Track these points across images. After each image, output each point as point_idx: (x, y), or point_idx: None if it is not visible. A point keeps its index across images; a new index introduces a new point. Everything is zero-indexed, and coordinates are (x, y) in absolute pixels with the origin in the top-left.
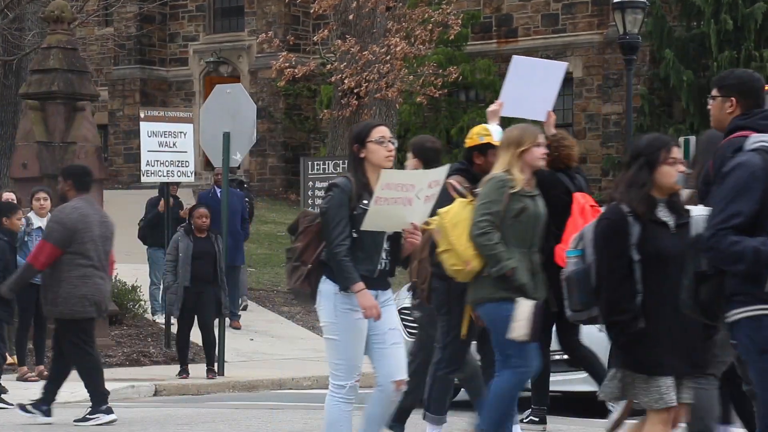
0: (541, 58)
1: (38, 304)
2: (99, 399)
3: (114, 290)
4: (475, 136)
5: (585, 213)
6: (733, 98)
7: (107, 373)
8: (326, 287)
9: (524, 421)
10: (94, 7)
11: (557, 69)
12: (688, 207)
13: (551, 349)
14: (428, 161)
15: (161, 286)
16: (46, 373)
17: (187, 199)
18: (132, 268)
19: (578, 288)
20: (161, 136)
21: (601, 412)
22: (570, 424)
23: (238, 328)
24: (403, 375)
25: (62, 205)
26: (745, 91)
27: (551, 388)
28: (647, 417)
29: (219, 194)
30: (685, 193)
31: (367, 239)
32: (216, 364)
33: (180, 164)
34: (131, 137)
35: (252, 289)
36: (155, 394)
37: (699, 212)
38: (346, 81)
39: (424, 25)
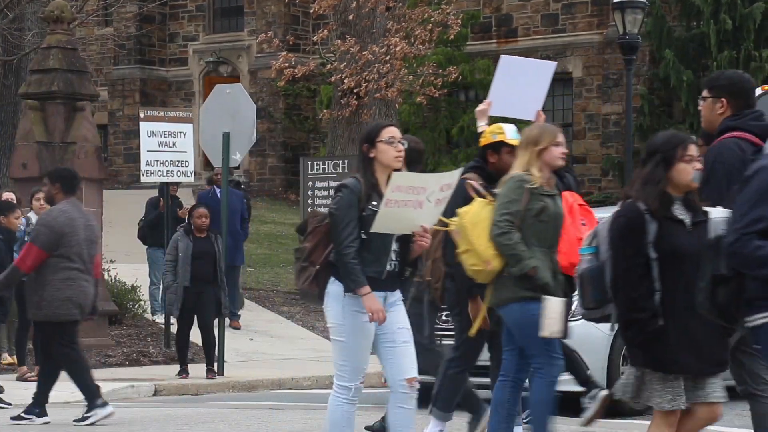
0: (541, 58)
1: None
2: (92, 395)
3: (114, 290)
4: (488, 134)
5: (573, 212)
6: (723, 99)
7: (107, 373)
8: (334, 288)
9: (525, 420)
10: (93, 7)
11: (546, 68)
12: (705, 208)
13: None
14: (411, 162)
15: (161, 286)
16: None
17: (187, 199)
18: (132, 268)
19: (592, 285)
20: (161, 136)
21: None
22: (569, 424)
23: (237, 328)
24: (413, 372)
25: (49, 209)
26: (735, 92)
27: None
28: (654, 418)
29: (219, 194)
30: None
31: (375, 241)
32: (216, 364)
33: (180, 164)
34: (131, 137)
35: (252, 289)
36: (155, 394)
37: (718, 214)
38: (345, 81)
39: (424, 25)
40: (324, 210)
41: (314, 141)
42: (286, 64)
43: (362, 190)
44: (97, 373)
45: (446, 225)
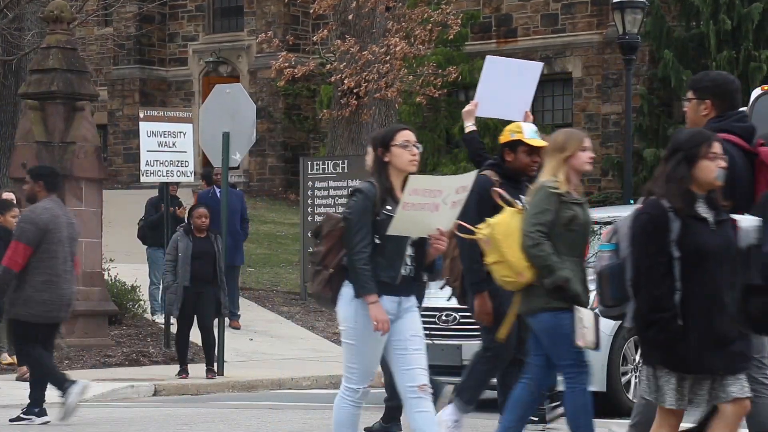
0: (541, 58)
1: None
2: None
3: (114, 290)
4: (507, 132)
5: None
6: (708, 101)
7: (107, 373)
8: (347, 291)
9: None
10: (93, 7)
11: (533, 69)
12: (735, 215)
13: None
14: None
15: (161, 286)
16: None
17: (187, 199)
18: (131, 267)
19: (611, 283)
20: (161, 136)
21: (601, 412)
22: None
23: (237, 328)
24: (424, 380)
25: (33, 206)
26: (719, 94)
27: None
28: (657, 417)
29: (218, 194)
30: None
31: (389, 245)
32: (215, 364)
33: (179, 164)
34: (131, 137)
35: (252, 289)
36: (155, 394)
37: (748, 222)
38: (345, 81)
39: (424, 25)
40: (338, 214)
41: (314, 141)
42: (286, 64)
43: (377, 194)
44: (97, 373)
45: (473, 233)
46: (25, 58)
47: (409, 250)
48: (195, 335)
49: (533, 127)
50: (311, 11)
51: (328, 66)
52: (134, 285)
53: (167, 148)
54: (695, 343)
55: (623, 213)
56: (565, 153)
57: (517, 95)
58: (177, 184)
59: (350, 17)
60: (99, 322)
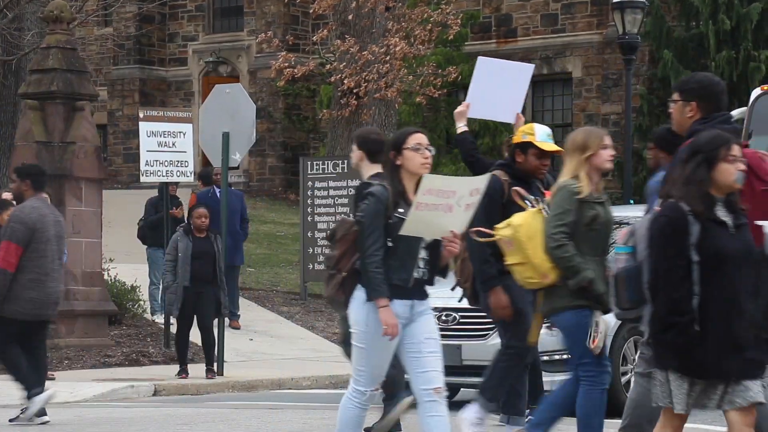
0: (541, 58)
1: None
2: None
3: (113, 290)
4: (520, 133)
5: None
6: (693, 102)
7: (107, 373)
8: (360, 295)
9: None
10: (93, 7)
11: (524, 71)
12: (760, 222)
13: (552, 349)
14: (372, 153)
15: (161, 286)
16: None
17: (187, 199)
18: (131, 267)
19: (628, 285)
20: (160, 136)
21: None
22: (569, 425)
23: (237, 328)
24: (439, 383)
25: (21, 205)
26: (705, 96)
27: (552, 388)
28: (661, 419)
29: (218, 194)
30: None
31: (401, 248)
32: (215, 364)
33: (179, 164)
34: (130, 137)
35: (251, 289)
36: (155, 394)
37: None
38: (345, 81)
39: (424, 25)
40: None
41: (314, 141)
42: (286, 64)
43: (389, 197)
44: (97, 373)
45: (491, 235)
46: (25, 58)
47: (422, 253)
48: (195, 335)
49: (547, 130)
50: (311, 11)
51: (327, 66)
52: (134, 285)
53: (167, 148)
54: (713, 348)
55: (624, 213)
56: (587, 152)
57: (509, 97)
58: (176, 184)
59: (350, 17)
60: (99, 322)
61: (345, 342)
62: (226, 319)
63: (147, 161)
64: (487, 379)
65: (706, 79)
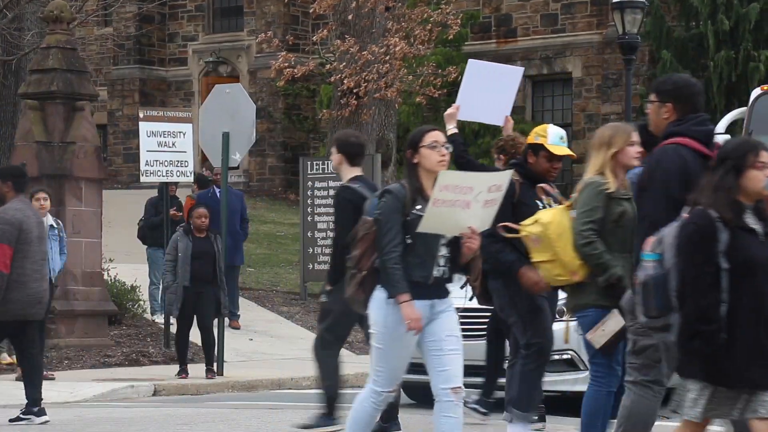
0: (541, 58)
1: None
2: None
3: (113, 290)
4: (533, 133)
5: None
6: (669, 104)
7: (107, 373)
8: (378, 295)
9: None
10: (93, 6)
11: (514, 74)
12: None
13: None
14: (352, 156)
15: (160, 286)
16: (45, 372)
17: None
18: (131, 268)
19: (656, 294)
20: (160, 136)
21: None
22: (569, 425)
23: (237, 328)
24: (458, 382)
25: (4, 207)
26: (680, 97)
27: (552, 388)
28: (684, 425)
29: (218, 194)
30: None
31: (420, 245)
32: (215, 364)
33: (179, 164)
34: (130, 137)
35: (251, 289)
36: (154, 394)
37: None
38: (345, 81)
39: (424, 25)
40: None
41: (314, 141)
42: (286, 64)
43: (407, 195)
44: (97, 373)
45: (516, 231)
46: (25, 58)
47: (443, 251)
48: (195, 335)
49: (560, 133)
50: (311, 11)
51: (327, 66)
52: (134, 285)
53: (167, 148)
54: (739, 356)
55: None
56: (613, 149)
57: (498, 99)
58: (176, 184)
59: (350, 17)
60: (99, 322)
61: (320, 319)
62: (226, 319)
63: (147, 161)
64: (517, 391)
65: (682, 81)
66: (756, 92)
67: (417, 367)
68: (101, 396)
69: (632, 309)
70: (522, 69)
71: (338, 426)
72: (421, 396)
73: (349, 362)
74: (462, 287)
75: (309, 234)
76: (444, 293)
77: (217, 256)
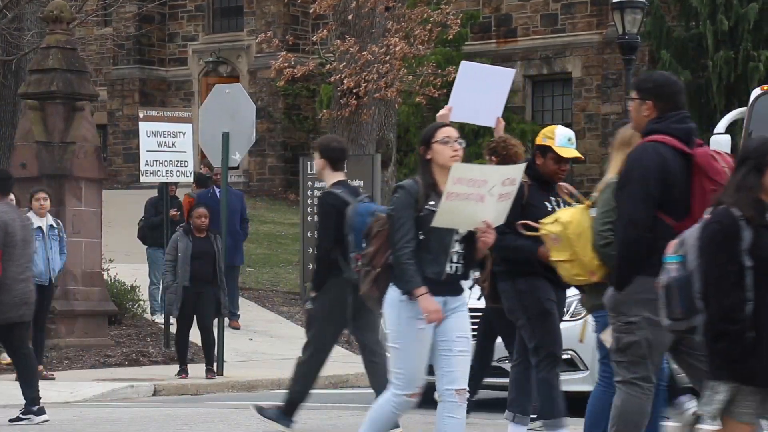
0: (541, 58)
1: (37, 304)
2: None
3: (113, 290)
4: (541, 135)
5: None
6: (649, 101)
7: (107, 373)
8: (392, 294)
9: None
10: (93, 6)
11: (505, 76)
12: None
13: None
14: (335, 161)
15: (160, 286)
16: (45, 372)
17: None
18: (131, 267)
19: (679, 296)
20: (160, 136)
21: None
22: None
23: (237, 328)
24: (463, 384)
25: None
26: (661, 95)
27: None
28: (724, 427)
29: (218, 194)
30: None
31: (433, 241)
32: (215, 364)
33: (179, 164)
34: (130, 137)
35: (251, 289)
36: (154, 394)
37: None
38: (345, 81)
39: (424, 25)
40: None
41: (314, 141)
42: (286, 64)
43: (420, 190)
44: (97, 373)
45: (536, 230)
46: (24, 58)
47: (456, 247)
48: (195, 335)
49: (567, 134)
50: (311, 11)
51: (327, 66)
52: (134, 285)
53: (167, 148)
54: (767, 354)
55: None
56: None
57: (490, 101)
58: (176, 184)
59: (350, 17)
60: (99, 322)
61: (307, 327)
62: (226, 319)
63: (147, 161)
64: (540, 402)
65: (662, 78)
66: (756, 92)
67: None
68: (101, 396)
69: (615, 307)
70: (514, 71)
71: (291, 430)
72: (421, 396)
73: (350, 362)
74: (470, 287)
75: (309, 234)
76: (457, 290)
77: (217, 256)
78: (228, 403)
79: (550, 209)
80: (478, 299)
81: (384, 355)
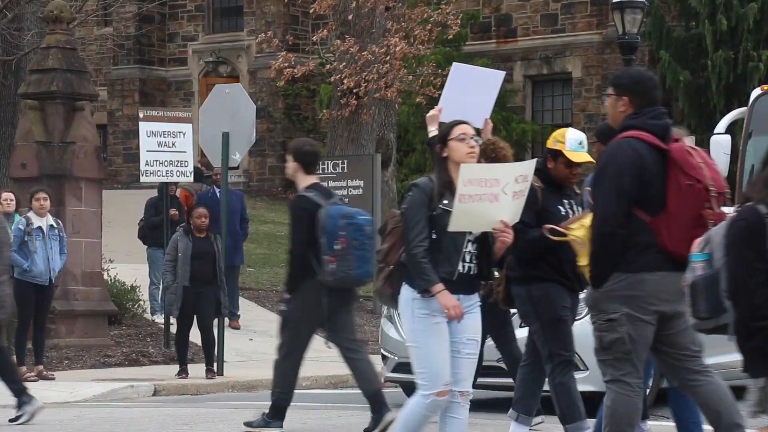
0: (541, 58)
1: (37, 304)
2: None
3: (113, 290)
4: (551, 139)
5: None
6: (625, 97)
7: (107, 373)
8: (405, 293)
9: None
10: (93, 6)
11: (495, 77)
12: None
13: None
14: (307, 164)
15: (161, 286)
16: (45, 373)
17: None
18: (131, 267)
19: (705, 294)
20: (160, 136)
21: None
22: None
23: (237, 327)
24: (468, 387)
25: None
26: (637, 91)
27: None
28: None
29: (218, 194)
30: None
31: (446, 240)
32: (215, 364)
33: (179, 164)
34: (130, 137)
35: (251, 289)
36: (154, 394)
37: None
38: (345, 81)
39: (424, 25)
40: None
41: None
42: (286, 64)
43: (434, 189)
44: (97, 373)
45: (563, 234)
46: (25, 58)
47: (469, 247)
48: (195, 335)
49: (579, 138)
50: (311, 11)
51: (327, 66)
52: (134, 285)
53: (167, 148)
54: None
55: None
56: None
57: (479, 102)
58: (176, 184)
59: (350, 17)
60: (99, 322)
61: (281, 328)
62: (226, 319)
63: (147, 161)
64: (559, 409)
65: (638, 74)
66: (756, 92)
67: None
68: (101, 396)
69: (594, 305)
70: (503, 73)
71: (281, 430)
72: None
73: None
74: (481, 289)
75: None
76: (470, 289)
77: (217, 256)
78: (228, 403)
79: (563, 213)
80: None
81: (362, 351)
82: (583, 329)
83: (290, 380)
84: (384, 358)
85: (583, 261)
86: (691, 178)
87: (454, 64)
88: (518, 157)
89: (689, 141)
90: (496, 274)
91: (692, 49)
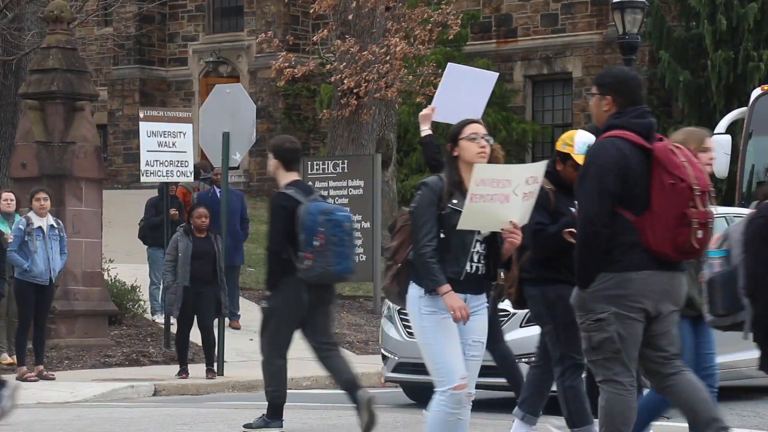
0: (541, 58)
1: (38, 304)
2: None
3: (114, 290)
4: (560, 141)
5: None
6: (609, 96)
7: (107, 373)
8: (412, 292)
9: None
10: (93, 6)
11: (488, 78)
12: None
13: None
14: (288, 162)
15: (161, 286)
16: (45, 372)
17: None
18: (132, 268)
19: (723, 292)
20: (160, 136)
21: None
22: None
23: (237, 328)
24: (471, 389)
25: None
26: (620, 90)
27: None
28: None
29: (218, 194)
30: None
31: (454, 240)
32: (215, 364)
33: (179, 164)
34: (130, 137)
35: (251, 289)
36: (155, 394)
37: None
38: (345, 81)
39: (424, 25)
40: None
41: (314, 141)
42: (286, 64)
43: (444, 188)
44: (97, 373)
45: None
46: (25, 58)
47: (478, 247)
48: (195, 335)
49: (587, 140)
50: (311, 11)
51: (328, 66)
52: (134, 285)
53: (167, 148)
54: None
55: None
56: None
57: (471, 103)
58: (176, 184)
59: (350, 17)
60: (99, 322)
61: (263, 325)
62: (226, 319)
63: (147, 161)
64: (567, 412)
65: (621, 74)
66: (756, 92)
67: (417, 367)
68: (101, 396)
69: (582, 305)
70: (497, 74)
71: (281, 429)
72: (421, 396)
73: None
74: (491, 290)
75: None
76: (478, 289)
77: (217, 256)
78: (228, 403)
79: (575, 215)
80: (501, 301)
81: (335, 350)
82: None
83: (280, 377)
84: (384, 358)
85: None
86: (675, 177)
87: (449, 64)
88: (518, 158)
89: (709, 141)
90: (501, 274)
91: (692, 49)
